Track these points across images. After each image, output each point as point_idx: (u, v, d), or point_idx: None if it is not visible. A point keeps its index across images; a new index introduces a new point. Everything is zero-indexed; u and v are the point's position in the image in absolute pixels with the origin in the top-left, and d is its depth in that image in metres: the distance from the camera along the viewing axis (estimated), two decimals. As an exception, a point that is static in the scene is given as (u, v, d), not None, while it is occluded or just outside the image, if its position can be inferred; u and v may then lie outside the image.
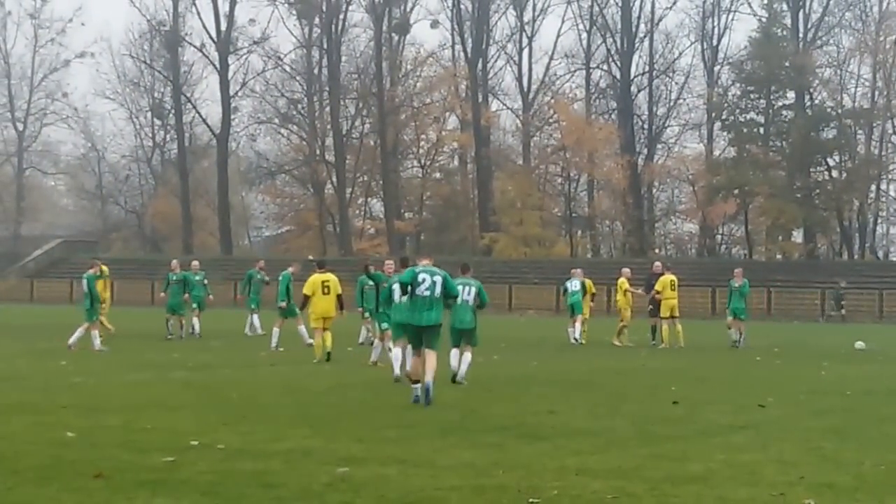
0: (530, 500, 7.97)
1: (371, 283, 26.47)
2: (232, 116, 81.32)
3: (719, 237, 79.87)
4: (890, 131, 71.80)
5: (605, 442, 10.87)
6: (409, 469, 9.08)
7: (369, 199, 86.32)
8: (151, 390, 15.23)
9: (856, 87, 73.51)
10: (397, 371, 17.07)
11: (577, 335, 28.20)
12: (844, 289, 53.37)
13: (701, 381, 18.19)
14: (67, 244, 79.08)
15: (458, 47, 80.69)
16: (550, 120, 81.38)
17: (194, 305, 29.70)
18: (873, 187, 71.56)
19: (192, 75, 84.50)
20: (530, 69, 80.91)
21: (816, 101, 73.13)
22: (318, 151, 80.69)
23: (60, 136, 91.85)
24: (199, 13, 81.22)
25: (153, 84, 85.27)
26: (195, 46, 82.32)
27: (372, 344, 26.34)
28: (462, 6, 79.12)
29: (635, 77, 78.46)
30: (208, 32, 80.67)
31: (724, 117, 73.45)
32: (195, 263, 31.68)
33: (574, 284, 29.17)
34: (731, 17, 77.55)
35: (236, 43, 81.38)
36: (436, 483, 8.50)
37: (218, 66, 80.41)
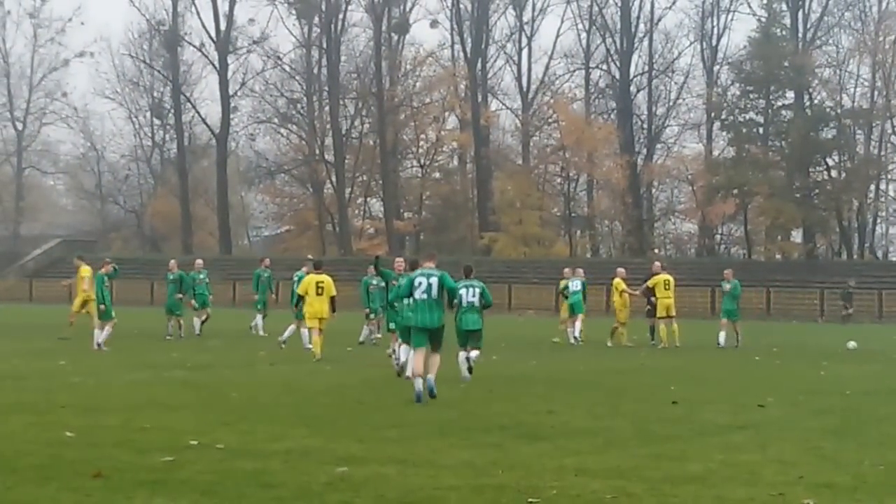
0: (529, 499, 7.97)
1: (374, 282, 26.69)
2: (231, 116, 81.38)
3: (718, 237, 79.88)
4: (889, 131, 71.81)
5: (605, 442, 10.87)
6: (409, 469, 9.08)
7: (369, 198, 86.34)
8: (150, 390, 15.23)
9: (855, 87, 73.60)
10: (408, 372, 17.13)
11: (576, 334, 28.24)
12: (854, 288, 53.35)
13: (700, 381, 18.19)
14: (67, 244, 79.02)
15: (458, 47, 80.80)
16: (550, 120, 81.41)
17: (196, 305, 29.65)
18: (872, 187, 71.59)
19: (192, 75, 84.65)
20: (530, 69, 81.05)
21: (816, 101, 73.11)
22: (317, 151, 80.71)
23: (60, 135, 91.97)
24: (198, 13, 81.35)
25: (152, 84, 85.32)
26: (194, 46, 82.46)
27: (374, 343, 26.44)
28: (461, 6, 79.20)
29: (635, 77, 78.50)
30: (208, 32, 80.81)
31: (723, 117, 73.44)
32: (199, 262, 31.62)
33: (575, 284, 29.26)
34: (730, 16, 77.69)
35: (236, 42, 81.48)
36: (435, 483, 8.50)
37: (217, 65, 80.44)
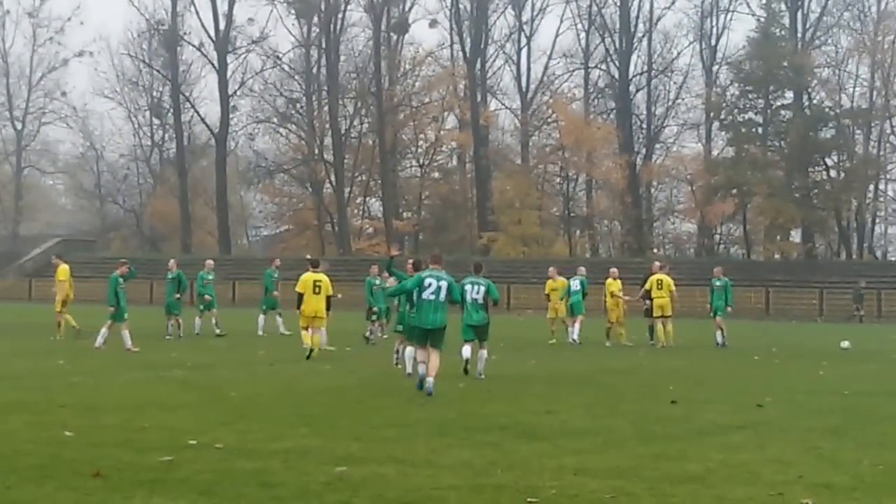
0: (528, 499, 7.97)
1: (377, 282, 26.81)
2: (230, 116, 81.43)
3: (717, 237, 79.91)
4: (888, 131, 71.85)
5: (603, 441, 10.88)
6: (408, 468, 9.08)
7: (368, 198, 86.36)
8: (150, 390, 15.23)
9: (854, 87, 73.67)
10: (408, 369, 17.47)
11: (574, 336, 28.28)
12: (864, 288, 53.33)
13: (699, 381, 18.19)
14: (66, 243, 79.00)
15: (457, 47, 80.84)
16: (549, 119, 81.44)
17: (202, 308, 29.58)
18: (871, 187, 71.64)
19: (191, 74, 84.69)
20: (529, 69, 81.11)
21: (815, 101, 73.17)
22: (316, 151, 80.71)
23: (59, 135, 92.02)
24: (197, 12, 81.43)
25: (152, 83, 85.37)
26: (194, 46, 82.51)
27: (373, 343, 26.40)
28: (461, 6, 79.26)
29: (634, 77, 78.53)
30: (207, 32, 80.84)
31: (722, 117, 73.48)
32: (209, 263, 31.59)
33: (575, 284, 29.27)
34: (729, 16, 77.79)
35: (235, 42, 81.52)
36: (434, 482, 8.50)
37: (216, 65, 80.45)
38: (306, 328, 22.00)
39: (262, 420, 12.06)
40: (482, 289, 17.90)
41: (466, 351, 17.89)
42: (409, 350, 17.45)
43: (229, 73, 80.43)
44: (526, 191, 75.49)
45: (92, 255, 78.89)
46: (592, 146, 74.56)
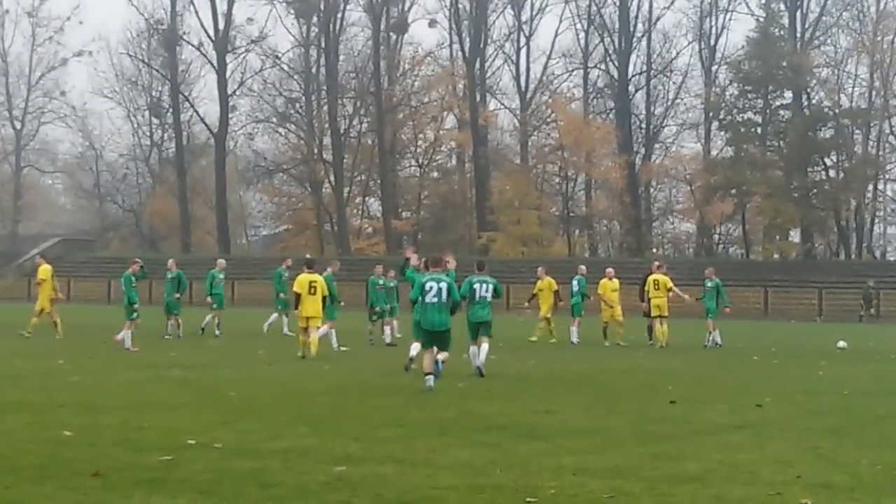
0: (527, 499, 7.98)
1: (381, 282, 26.86)
2: (230, 115, 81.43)
3: (717, 237, 79.98)
4: (887, 131, 71.88)
5: (602, 441, 10.88)
6: (407, 468, 9.08)
7: (367, 198, 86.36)
8: (149, 389, 15.23)
9: (853, 86, 73.73)
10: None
11: (573, 339, 28.39)
12: (874, 288, 53.32)
13: (698, 381, 18.20)
14: (65, 243, 79.07)
15: (456, 46, 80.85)
16: (548, 119, 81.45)
17: (214, 306, 29.53)
18: (870, 187, 71.67)
19: (190, 74, 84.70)
20: (528, 68, 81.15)
21: (814, 101, 73.21)
22: (315, 150, 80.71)
23: (58, 134, 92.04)
24: (196, 12, 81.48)
25: (151, 83, 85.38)
26: (193, 45, 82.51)
27: (372, 343, 26.31)
28: (460, 5, 79.26)
29: (633, 77, 78.55)
30: (206, 31, 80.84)
31: (721, 117, 73.51)
32: (221, 262, 31.59)
33: (574, 285, 29.37)
34: (728, 16, 77.83)
35: (234, 42, 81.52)
36: (433, 482, 8.50)
37: (216, 64, 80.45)
38: (305, 329, 21.99)
39: (262, 420, 12.06)
40: (490, 286, 18.58)
41: (474, 351, 18.24)
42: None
43: (228, 72, 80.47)
44: (525, 190, 75.49)
45: (91, 254, 78.96)
46: (591, 146, 74.58)
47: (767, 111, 71.96)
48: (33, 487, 8.12)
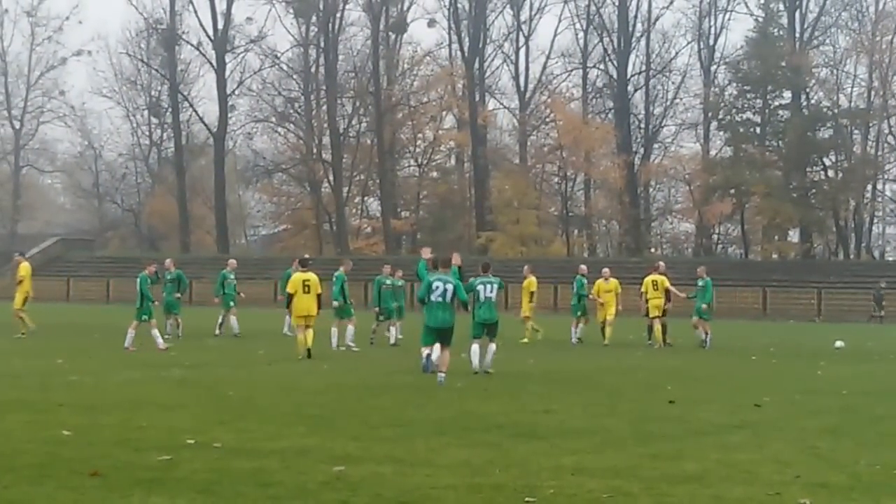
0: (526, 499, 7.98)
1: (388, 282, 26.92)
2: (229, 115, 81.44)
3: (715, 237, 80.00)
4: (886, 131, 71.93)
5: (601, 441, 10.88)
6: (406, 468, 9.08)
7: (366, 197, 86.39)
8: (148, 389, 15.23)
9: (852, 86, 73.81)
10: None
11: (573, 340, 28.41)
12: (884, 289, 53.31)
13: (697, 381, 18.21)
14: (64, 242, 79.02)
15: (455, 46, 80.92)
16: (547, 119, 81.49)
17: (230, 304, 29.47)
18: (869, 187, 71.75)
19: (189, 74, 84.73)
20: (527, 68, 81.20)
21: (813, 101, 73.25)
22: (314, 150, 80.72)
23: (57, 134, 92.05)
24: (196, 11, 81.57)
25: (150, 82, 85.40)
26: (192, 45, 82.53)
27: (372, 343, 26.25)
28: (459, 5, 79.34)
29: (632, 76, 78.58)
30: (205, 31, 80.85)
31: (720, 117, 73.55)
32: (232, 262, 31.61)
33: (574, 284, 29.47)
34: (727, 16, 77.88)
35: (233, 41, 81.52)
36: (432, 482, 8.50)
37: (215, 64, 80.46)
38: (306, 328, 21.99)
39: (261, 419, 12.06)
40: (495, 287, 19.06)
41: (475, 355, 18.39)
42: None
43: (228, 72, 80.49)
44: (524, 190, 75.52)
45: (90, 254, 78.90)
46: (590, 146, 74.61)
47: (766, 111, 72.00)
48: (32, 487, 8.12)
